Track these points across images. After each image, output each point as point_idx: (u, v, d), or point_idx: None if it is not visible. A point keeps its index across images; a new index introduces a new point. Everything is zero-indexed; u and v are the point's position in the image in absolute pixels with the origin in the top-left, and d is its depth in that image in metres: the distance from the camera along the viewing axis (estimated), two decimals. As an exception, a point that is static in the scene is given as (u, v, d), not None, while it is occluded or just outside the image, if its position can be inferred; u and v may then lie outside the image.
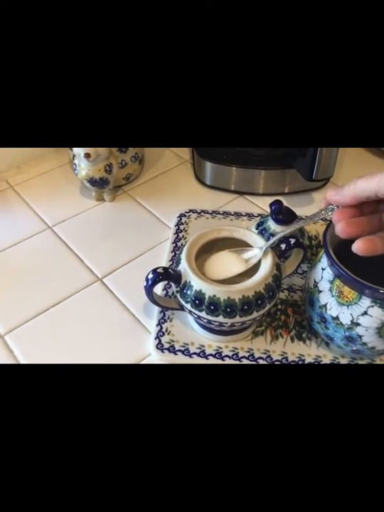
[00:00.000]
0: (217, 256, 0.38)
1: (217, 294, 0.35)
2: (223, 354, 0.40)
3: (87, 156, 0.50)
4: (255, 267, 0.37)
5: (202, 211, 0.55)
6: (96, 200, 0.57)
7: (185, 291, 0.36)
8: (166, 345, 0.40)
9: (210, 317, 0.35)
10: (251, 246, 0.39)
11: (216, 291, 0.35)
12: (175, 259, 0.39)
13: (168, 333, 0.41)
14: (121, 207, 0.57)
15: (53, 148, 0.63)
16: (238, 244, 0.40)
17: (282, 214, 0.47)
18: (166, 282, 0.45)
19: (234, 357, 0.40)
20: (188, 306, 0.36)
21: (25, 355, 0.41)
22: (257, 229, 0.49)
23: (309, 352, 0.40)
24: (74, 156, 0.54)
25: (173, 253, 0.50)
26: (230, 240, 0.40)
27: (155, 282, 0.36)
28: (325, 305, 0.36)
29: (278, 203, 0.47)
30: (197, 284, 0.35)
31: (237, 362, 0.39)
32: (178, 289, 0.37)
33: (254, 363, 0.39)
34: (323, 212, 0.33)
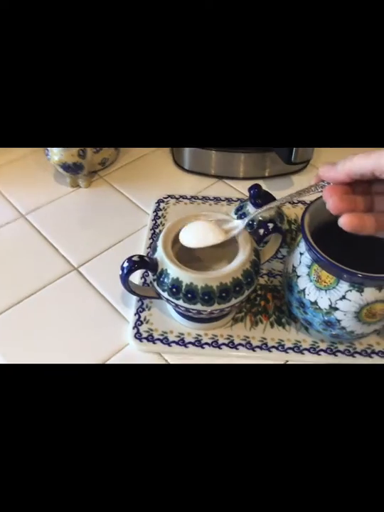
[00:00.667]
0: (195, 224, 0.36)
1: (194, 281, 0.34)
2: (203, 342, 0.39)
3: (59, 140, 0.47)
4: (234, 253, 0.36)
5: (180, 196, 0.54)
6: (71, 187, 0.55)
7: (162, 279, 0.35)
8: (145, 335, 0.40)
9: (187, 305, 0.35)
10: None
11: (193, 279, 0.34)
12: (152, 245, 0.38)
13: (147, 322, 0.41)
14: (97, 193, 0.55)
15: (25, 133, 0.61)
16: (216, 230, 0.39)
17: (261, 198, 0.46)
18: (143, 270, 0.44)
19: (213, 344, 0.39)
20: (165, 294, 0.35)
21: (-1, 348, 0.39)
22: (236, 214, 0.48)
23: (289, 337, 0.40)
24: (46, 140, 0.52)
25: (151, 240, 0.49)
26: (208, 225, 0.39)
27: (130, 271, 0.35)
28: (303, 290, 0.35)
29: (256, 187, 0.46)
30: (174, 271, 0.34)
31: (217, 349, 0.39)
32: (155, 277, 0.36)
33: (234, 349, 0.39)
34: (313, 187, 0.32)
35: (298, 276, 0.36)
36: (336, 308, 0.34)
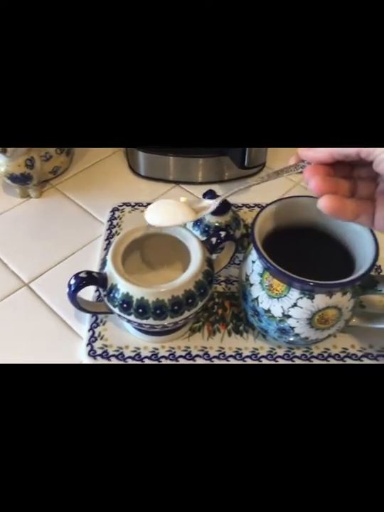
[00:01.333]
0: (163, 203, 0.34)
1: (145, 296, 0.33)
2: (159, 355, 0.38)
3: (3, 151, 0.45)
4: (189, 263, 0.36)
5: (136, 204, 0.53)
6: (21, 197, 0.53)
7: (112, 294, 0.34)
8: (99, 351, 0.38)
9: (139, 320, 0.34)
10: (182, 241, 0.37)
11: (144, 293, 0.33)
12: (102, 259, 0.37)
13: (101, 338, 0.39)
14: (49, 203, 0.53)
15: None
16: (168, 241, 0.38)
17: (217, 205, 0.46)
18: (97, 283, 0.43)
19: (171, 357, 0.38)
20: (116, 310, 0.34)
21: None
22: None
23: (246, 345, 0.39)
24: (-10, 150, 0.49)
25: (106, 251, 0.47)
26: (161, 235, 0.38)
27: (78, 288, 0.34)
28: (256, 298, 0.35)
29: (210, 192, 0.45)
30: (124, 286, 0.33)
31: (174, 362, 0.38)
32: (105, 292, 0.35)
33: (191, 361, 0.38)
34: (292, 167, 0.30)
35: (251, 285, 0.35)
36: (289, 316, 0.33)
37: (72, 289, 0.34)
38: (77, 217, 0.52)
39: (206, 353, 0.39)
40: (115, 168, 0.58)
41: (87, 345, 0.39)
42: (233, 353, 0.39)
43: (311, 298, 0.32)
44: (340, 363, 0.38)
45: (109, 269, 0.34)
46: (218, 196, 0.34)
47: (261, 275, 0.34)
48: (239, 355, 0.39)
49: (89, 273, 0.34)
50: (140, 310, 0.33)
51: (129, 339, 0.39)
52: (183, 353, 0.39)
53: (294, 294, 0.32)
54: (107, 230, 0.49)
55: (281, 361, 0.38)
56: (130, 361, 0.38)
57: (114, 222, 0.50)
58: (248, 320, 0.40)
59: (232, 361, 0.38)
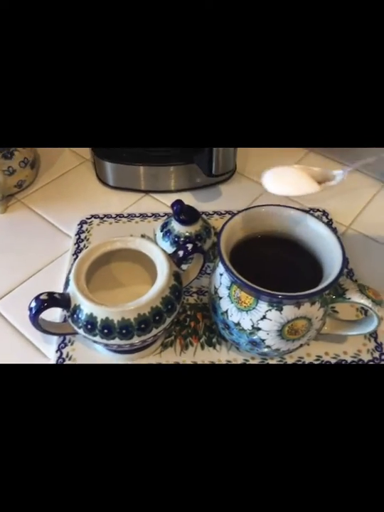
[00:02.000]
0: (285, 170, 0.32)
1: (109, 315, 0.32)
2: (130, 373, 0.37)
3: None
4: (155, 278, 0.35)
5: (105, 215, 0.52)
6: (-16, 214, 0.51)
7: (76, 315, 0.33)
8: (67, 373, 0.37)
9: (105, 341, 0.33)
10: (148, 256, 0.36)
11: (109, 313, 0.32)
12: (65, 279, 0.36)
13: (70, 359, 0.38)
14: (14, 218, 0.52)
15: None
16: (135, 255, 0.37)
17: (185, 214, 0.45)
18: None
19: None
20: (81, 331, 0.33)
21: None
22: (162, 230, 0.47)
23: (219, 357, 0.39)
24: None
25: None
26: (126, 250, 0.37)
27: (39, 311, 0.32)
28: (226, 311, 0.34)
29: (179, 202, 0.44)
30: (87, 307, 0.32)
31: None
32: (69, 314, 0.33)
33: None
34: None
35: (220, 298, 0.35)
36: (259, 329, 0.33)
37: (33, 312, 0.32)
38: (44, 232, 0.50)
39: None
40: (83, 180, 0.57)
41: (55, 367, 0.37)
42: (203, 364, 0.38)
43: (280, 310, 0.32)
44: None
45: (72, 289, 0.33)
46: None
47: (229, 288, 0.33)
48: (212, 369, 0.38)
49: (50, 294, 0.33)
50: (105, 330, 0.32)
51: (98, 358, 0.38)
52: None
53: (263, 306, 0.32)
54: (75, 244, 0.48)
55: (255, 373, 0.38)
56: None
57: (82, 235, 0.49)
58: (220, 332, 0.39)
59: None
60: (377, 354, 0.39)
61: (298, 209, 0.37)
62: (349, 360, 0.38)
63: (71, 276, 0.34)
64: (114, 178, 0.55)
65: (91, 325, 0.32)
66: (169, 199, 0.55)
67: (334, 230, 0.35)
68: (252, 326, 0.33)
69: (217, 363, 0.38)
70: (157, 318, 0.33)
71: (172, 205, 0.45)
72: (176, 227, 0.45)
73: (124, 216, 0.52)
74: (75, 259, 0.46)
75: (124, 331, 0.32)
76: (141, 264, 0.39)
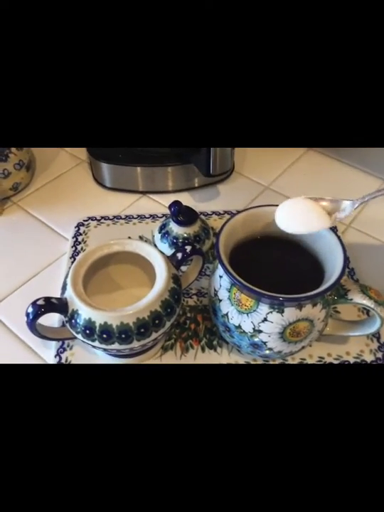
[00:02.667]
0: (295, 203, 0.31)
1: (108, 320, 0.31)
2: (130, 378, 0.37)
3: None
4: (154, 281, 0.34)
5: (102, 217, 0.51)
6: (-20, 217, 0.51)
7: (73, 320, 0.32)
8: (66, 379, 0.36)
9: (104, 346, 0.32)
10: (146, 258, 0.36)
11: (107, 318, 0.31)
12: (62, 283, 0.35)
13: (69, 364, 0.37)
14: (10, 221, 0.51)
15: None
16: (133, 258, 0.36)
17: (183, 215, 0.44)
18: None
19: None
20: (80, 336, 0.32)
21: None
22: (160, 232, 0.46)
23: (221, 360, 0.38)
24: None
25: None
26: (124, 253, 0.36)
27: (36, 317, 0.32)
28: (226, 314, 0.34)
29: (177, 203, 0.44)
30: (85, 312, 0.32)
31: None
32: (67, 319, 0.33)
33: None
34: None
35: (220, 300, 0.34)
36: (260, 331, 0.32)
37: (31, 317, 0.32)
38: (41, 235, 0.50)
39: (179, 373, 0.37)
40: (79, 181, 0.56)
41: (53, 372, 0.37)
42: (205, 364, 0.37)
43: (281, 312, 0.31)
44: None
45: (69, 294, 0.32)
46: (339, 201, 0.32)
47: (229, 290, 0.33)
48: (213, 372, 0.37)
49: (47, 299, 0.32)
50: (104, 335, 0.31)
51: (98, 362, 0.38)
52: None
53: (264, 308, 0.31)
54: (72, 246, 0.47)
55: (256, 375, 0.37)
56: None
57: (80, 238, 0.48)
58: (221, 335, 0.38)
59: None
60: (380, 354, 0.38)
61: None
62: (352, 360, 0.38)
63: (68, 281, 0.33)
64: (111, 180, 0.55)
65: (89, 330, 0.32)
66: (167, 200, 0.54)
67: (334, 230, 0.35)
68: (253, 328, 0.32)
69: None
70: (157, 322, 0.32)
71: (170, 207, 0.44)
72: (175, 228, 0.45)
73: (121, 218, 0.51)
74: (72, 262, 0.46)
75: (123, 336, 0.32)
76: (139, 267, 0.38)
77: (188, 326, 0.41)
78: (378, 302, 0.32)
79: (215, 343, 0.39)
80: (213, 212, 0.52)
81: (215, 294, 0.35)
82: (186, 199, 0.53)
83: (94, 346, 0.33)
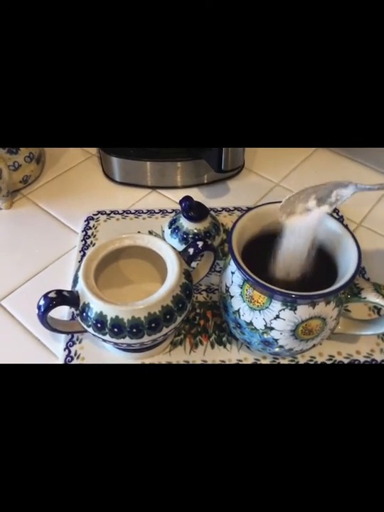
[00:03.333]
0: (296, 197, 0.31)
1: (120, 314, 0.31)
2: (140, 372, 0.37)
3: (-34, 162, 0.43)
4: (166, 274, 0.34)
5: (112, 212, 0.51)
6: (-10, 209, 0.51)
7: (85, 314, 0.32)
8: (76, 372, 0.36)
9: (115, 340, 0.32)
10: (157, 253, 0.35)
11: (119, 312, 0.31)
12: (73, 276, 0.35)
13: (78, 357, 0.37)
14: (20, 214, 0.51)
15: None
16: (144, 252, 0.36)
17: (194, 210, 0.44)
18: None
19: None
20: (90, 329, 0.32)
21: None
22: (170, 227, 0.46)
23: (230, 357, 0.38)
24: None
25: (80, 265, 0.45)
26: (135, 247, 0.36)
27: (47, 310, 0.32)
28: (238, 310, 0.34)
29: (188, 199, 0.44)
30: (97, 305, 0.31)
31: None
32: (78, 312, 0.33)
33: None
34: None
35: (231, 297, 0.34)
36: (272, 328, 0.32)
37: (42, 310, 0.32)
38: (51, 228, 0.50)
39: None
40: (89, 175, 0.56)
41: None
42: (214, 364, 0.37)
43: (294, 309, 0.31)
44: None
45: (81, 287, 0.32)
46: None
47: (241, 287, 0.33)
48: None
49: (59, 292, 0.32)
50: (115, 329, 0.31)
51: (107, 357, 0.38)
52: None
53: (276, 305, 0.31)
54: (82, 240, 0.47)
55: (266, 373, 0.37)
56: (109, 381, 0.36)
57: (89, 232, 0.48)
58: (231, 331, 0.38)
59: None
60: (390, 354, 0.38)
61: (311, 206, 0.36)
62: (362, 360, 0.38)
63: (80, 274, 0.33)
64: (121, 174, 0.54)
65: (100, 324, 0.31)
66: (176, 195, 0.54)
67: (348, 228, 0.34)
68: (265, 325, 0.32)
69: (227, 362, 0.38)
70: (168, 316, 0.32)
71: (181, 202, 0.44)
72: (185, 223, 0.45)
73: (131, 212, 0.51)
74: (82, 256, 0.46)
75: (134, 330, 0.31)
76: (150, 262, 0.38)
77: (198, 321, 0.41)
78: (392, 301, 0.32)
79: (224, 339, 0.39)
80: (223, 209, 0.52)
81: (227, 290, 0.34)
82: (196, 195, 0.53)
83: (104, 340, 0.33)
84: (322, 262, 0.35)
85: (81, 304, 0.32)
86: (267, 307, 0.31)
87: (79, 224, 0.49)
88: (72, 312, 0.41)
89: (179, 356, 0.38)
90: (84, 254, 0.46)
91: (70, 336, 0.39)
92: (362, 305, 0.41)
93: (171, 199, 0.54)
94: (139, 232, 0.48)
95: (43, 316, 0.32)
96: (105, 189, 0.54)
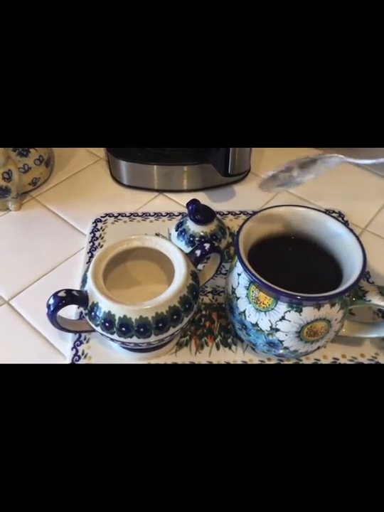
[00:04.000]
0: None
1: (127, 313, 0.32)
2: (146, 372, 0.37)
3: (-22, 164, 0.44)
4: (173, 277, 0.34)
5: (119, 214, 0.52)
6: (-1, 210, 0.51)
7: (93, 313, 0.33)
8: (83, 371, 0.37)
9: (123, 339, 0.32)
10: (165, 255, 0.36)
11: (127, 311, 0.32)
12: (82, 276, 0.36)
13: (85, 357, 0.38)
14: (29, 216, 0.52)
15: None
16: (151, 254, 0.37)
17: (200, 213, 0.45)
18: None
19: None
20: (99, 329, 0.33)
21: None
22: (177, 230, 0.47)
23: (235, 358, 0.38)
24: (-35, 163, 0.48)
25: (89, 264, 0.46)
26: (143, 249, 0.37)
27: (57, 309, 0.32)
28: (244, 312, 0.34)
29: (195, 202, 0.44)
30: (105, 305, 0.32)
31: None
32: (87, 311, 0.33)
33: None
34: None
35: (237, 298, 0.34)
36: (277, 330, 0.33)
37: (52, 309, 0.32)
38: (59, 230, 0.50)
39: (194, 369, 0.37)
40: (97, 178, 0.57)
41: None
42: (220, 364, 0.38)
43: (299, 311, 0.31)
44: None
45: (90, 287, 0.33)
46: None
47: (247, 288, 0.33)
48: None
49: (68, 292, 0.33)
50: (123, 328, 0.32)
51: (114, 357, 0.38)
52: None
53: (282, 307, 0.32)
54: (90, 242, 0.48)
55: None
56: (115, 380, 0.36)
57: (97, 233, 0.49)
58: (236, 333, 0.39)
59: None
60: (394, 357, 0.38)
61: (316, 209, 0.36)
62: (366, 362, 0.38)
63: (89, 274, 0.34)
64: (128, 177, 0.55)
65: (109, 323, 0.32)
66: (183, 198, 0.55)
67: (353, 231, 0.35)
68: (271, 326, 0.33)
69: (232, 363, 0.38)
70: (175, 317, 0.33)
71: (188, 205, 0.44)
72: (191, 226, 0.45)
73: (138, 215, 0.52)
74: (89, 257, 0.46)
75: (141, 330, 0.32)
76: (157, 263, 0.39)
77: (203, 323, 0.41)
78: (396, 304, 0.32)
79: (229, 340, 0.40)
80: (229, 212, 0.52)
81: (233, 292, 0.35)
82: (202, 199, 0.54)
83: (112, 339, 0.33)
84: (327, 265, 0.35)
85: (90, 304, 0.33)
86: (272, 308, 0.32)
87: (87, 226, 0.50)
88: (80, 312, 0.41)
89: (185, 357, 0.38)
90: (91, 256, 0.47)
91: (77, 335, 0.39)
92: (366, 309, 0.41)
93: (178, 202, 0.54)
94: (145, 234, 0.49)
95: (53, 315, 0.32)
96: (113, 192, 0.55)
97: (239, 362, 0.38)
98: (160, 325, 0.32)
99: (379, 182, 0.57)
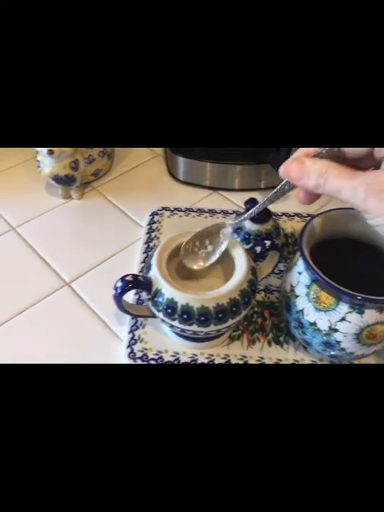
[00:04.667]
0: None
1: (190, 302, 0.33)
2: (198, 361, 0.38)
3: (50, 152, 0.46)
4: (232, 270, 0.35)
5: (175, 209, 0.53)
6: (63, 198, 0.54)
7: (156, 299, 0.34)
8: (139, 354, 0.38)
9: (183, 326, 0.34)
10: (226, 249, 0.37)
11: (189, 300, 0.33)
12: (146, 263, 0.37)
13: (141, 341, 0.39)
14: (89, 205, 0.54)
15: (16, 142, 0.59)
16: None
17: (258, 213, 0.45)
18: (137, 287, 0.43)
19: (209, 364, 0.38)
20: (160, 314, 0.34)
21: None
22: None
23: (287, 356, 0.39)
24: (37, 152, 0.51)
25: (146, 254, 0.47)
26: (204, 242, 0.38)
27: (124, 291, 0.34)
28: (302, 310, 0.34)
29: (253, 201, 0.45)
30: (169, 292, 0.33)
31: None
32: (150, 296, 0.35)
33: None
34: (284, 186, 0.33)
35: (296, 296, 0.35)
36: (336, 330, 0.33)
37: (119, 291, 0.34)
38: (117, 220, 0.52)
39: (246, 362, 0.38)
40: (154, 173, 0.59)
41: (128, 347, 0.39)
42: (273, 364, 0.38)
43: (361, 313, 0.31)
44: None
45: (155, 274, 0.34)
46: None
47: (308, 287, 0.34)
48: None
49: (135, 276, 0.34)
50: (184, 316, 0.33)
51: (168, 343, 0.39)
52: (223, 361, 0.38)
53: (343, 307, 0.32)
54: (146, 233, 0.50)
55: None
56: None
57: (153, 226, 0.51)
58: (289, 331, 0.39)
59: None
60: None
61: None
62: (421, 372, 0.37)
63: (153, 262, 0.35)
64: (184, 173, 0.57)
65: (171, 309, 0.33)
66: (235, 197, 0.56)
67: (419, 238, 0.34)
68: (329, 326, 0.33)
69: (284, 361, 0.38)
70: (234, 309, 0.34)
71: (246, 203, 0.45)
72: (248, 224, 0.46)
73: (193, 210, 0.53)
74: (146, 248, 0.48)
75: (202, 319, 0.33)
76: (215, 257, 0.40)
77: (255, 319, 0.42)
78: None
79: (281, 339, 0.40)
80: (283, 214, 0.53)
81: (292, 290, 0.35)
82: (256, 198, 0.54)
83: (172, 326, 0.34)
84: (390, 270, 0.35)
85: (153, 289, 0.34)
86: (333, 309, 0.32)
87: (144, 218, 0.52)
88: (137, 299, 0.43)
89: (236, 350, 0.39)
90: (148, 247, 0.48)
91: (134, 320, 0.41)
92: None
93: (231, 201, 0.55)
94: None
95: (119, 297, 0.34)
96: (169, 187, 0.57)
97: (290, 360, 0.38)
98: (220, 315, 0.33)
99: None
